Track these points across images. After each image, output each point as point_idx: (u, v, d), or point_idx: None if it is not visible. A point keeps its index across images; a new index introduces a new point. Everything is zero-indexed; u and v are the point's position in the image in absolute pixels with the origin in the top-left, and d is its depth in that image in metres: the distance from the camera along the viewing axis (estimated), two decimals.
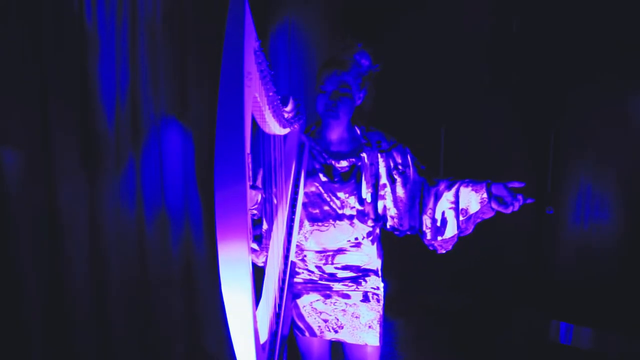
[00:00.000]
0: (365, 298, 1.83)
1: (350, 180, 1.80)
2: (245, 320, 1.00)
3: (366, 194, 1.81)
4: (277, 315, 1.46)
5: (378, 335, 1.82)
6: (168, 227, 2.49)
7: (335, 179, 1.80)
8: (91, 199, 2.24)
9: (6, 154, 2.01)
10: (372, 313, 1.82)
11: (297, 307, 1.85)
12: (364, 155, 1.82)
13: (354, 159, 1.82)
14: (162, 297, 2.48)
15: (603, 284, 3.03)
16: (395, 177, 1.84)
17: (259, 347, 1.10)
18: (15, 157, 2.03)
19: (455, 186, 1.76)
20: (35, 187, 2.08)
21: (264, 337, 1.31)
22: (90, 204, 2.24)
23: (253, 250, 1.68)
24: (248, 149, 1.00)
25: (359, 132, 1.89)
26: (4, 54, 1.96)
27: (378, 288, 1.86)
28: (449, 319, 3.36)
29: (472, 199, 1.74)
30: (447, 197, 1.77)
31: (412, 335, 3.23)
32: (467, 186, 1.75)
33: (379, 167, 1.84)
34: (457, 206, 1.75)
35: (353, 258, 1.84)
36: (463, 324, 3.30)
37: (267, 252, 1.61)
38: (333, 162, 1.82)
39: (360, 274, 1.84)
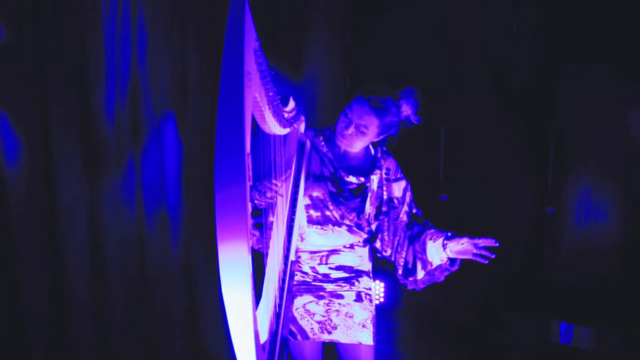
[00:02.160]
0: (359, 298, 1.83)
1: (356, 198, 1.81)
2: (245, 320, 1.00)
3: (367, 214, 1.83)
4: (277, 315, 1.46)
5: (372, 334, 1.82)
6: (168, 227, 2.50)
7: (343, 194, 1.81)
8: (91, 198, 2.24)
9: (6, 154, 2.01)
10: (365, 312, 1.82)
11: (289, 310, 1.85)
12: (374, 177, 1.83)
13: (363, 179, 1.82)
14: (162, 297, 2.48)
15: (603, 284, 3.03)
16: (390, 209, 1.86)
17: (259, 347, 1.10)
18: (16, 157, 2.03)
19: (422, 237, 1.79)
20: (35, 187, 2.09)
21: (264, 337, 1.31)
22: (90, 203, 2.24)
23: (252, 235, 1.72)
24: (248, 149, 1.00)
25: (373, 152, 1.89)
26: (3, 54, 1.96)
27: (370, 289, 1.88)
28: (448, 319, 3.35)
29: (434, 255, 1.77)
30: (416, 247, 1.80)
31: (412, 335, 3.23)
32: (431, 238, 1.77)
33: (383, 192, 1.85)
34: (424, 257, 1.79)
35: (347, 259, 1.85)
36: (463, 324, 3.30)
37: (267, 243, 1.61)
38: (343, 174, 1.82)
39: (353, 274, 1.85)
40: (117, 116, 2.29)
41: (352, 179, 1.82)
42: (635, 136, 2.93)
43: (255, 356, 1.03)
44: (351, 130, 1.75)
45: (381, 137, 1.81)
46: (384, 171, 1.85)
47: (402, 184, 1.87)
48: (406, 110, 1.77)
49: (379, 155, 1.87)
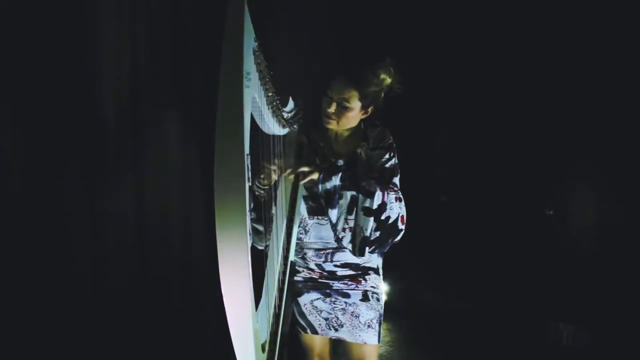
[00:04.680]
0: (365, 297, 1.83)
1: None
2: (245, 320, 1.00)
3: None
4: (277, 315, 1.46)
5: (377, 334, 1.82)
6: (168, 227, 2.50)
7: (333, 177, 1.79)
8: (91, 198, 2.24)
9: (6, 154, 2.01)
10: (371, 312, 1.82)
11: (298, 305, 1.86)
12: (359, 150, 1.81)
13: (350, 157, 1.82)
14: (161, 297, 2.48)
15: (603, 283, 3.03)
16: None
17: (259, 347, 1.10)
18: (15, 156, 2.03)
19: None
20: (35, 187, 2.09)
21: (264, 337, 1.31)
22: (91, 203, 2.24)
23: (257, 232, 1.72)
24: (247, 150, 1.00)
25: (362, 126, 1.86)
26: (3, 51, 1.96)
27: (378, 287, 1.86)
28: (448, 319, 3.36)
29: None
30: None
31: (411, 336, 3.23)
32: None
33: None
34: None
35: (353, 256, 1.83)
36: (463, 324, 3.30)
37: (267, 240, 1.61)
38: (332, 160, 1.82)
39: (360, 272, 1.84)
40: (117, 116, 2.29)
41: (340, 161, 1.81)
42: (635, 135, 2.93)
43: (255, 356, 1.03)
44: (333, 107, 1.72)
45: (367, 110, 1.77)
46: (370, 141, 1.82)
47: (384, 149, 1.79)
48: (386, 78, 1.73)
49: (367, 129, 1.84)
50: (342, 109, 1.73)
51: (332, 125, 1.78)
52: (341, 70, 1.73)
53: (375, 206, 1.70)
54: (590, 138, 3.05)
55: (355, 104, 1.73)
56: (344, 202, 1.72)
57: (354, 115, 1.76)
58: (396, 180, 1.79)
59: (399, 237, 1.77)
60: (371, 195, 1.69)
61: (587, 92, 3.00)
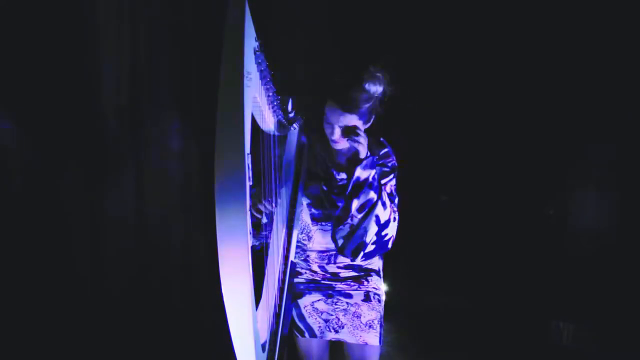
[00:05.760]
0: (367, 298, 1.83)
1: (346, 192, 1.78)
2: (245, 320, 1.00)
3: None
4: (277, 315, 1.46)
5: (378, 335, 1.82)
6: (168, 227, 2.50)
7: (334, 190, 1.80)
8: (91, 198, 2.24)
9: (6, 154, 2.01)
10: (372, 313, 1.82)
11: (298, 307, 1.86)
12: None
13: (351, 171, 1.80)
14: (161, 297, 2.49)
15: (603, 283, 3.03)
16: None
17: (259, 347, 1.10)
18: (16, 156, 2.04)
19: None
20: (35, 187, 2.09)
21: (264, 337, 1.31)
22: (91, 203, 2.24)
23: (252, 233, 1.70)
24: (248, 149, 1.00)
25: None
26: (4, 53, 1.96)
27: (379, 288, 1.87)
28: (448, 319, 3.35)
29: None
30: None
31: (411, 336, 3.23)
32: None
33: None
34: None
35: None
36: (463, 324, 3.30)
37: (267, 242, 1.60)
38: (334, 172, 1.82)
39: (362, 273, 1.85)
40: (118, 116, 2.29)
41: (342, 175, 1.81)
42: (635, 136, 2.93)
43: (255, 356, 1.03)
44: (337, 134, 1.71)
45: (369, 123, 1.76)
46: (375, 157, 1.79)
47: (388, 169, 1.80)
48: (376, 89, 1.67)
49: (370, 144, 1.79)
50: (345, 133, 1.71)
51: (341, 146, 1.76)
52: (332, 96, 1.68)
53: (383, 219, 1.70)
54: (591, 138, 3.05)
55: (357, 123, 1.71)
56: (364, 198, 1.70)
57: (357, 131, 1.75)
58: (395, 201, 1.80)
59: (380, 253, 1.77)
60: (385, 206, 1.69)
61: (587, 92, 3.00)
